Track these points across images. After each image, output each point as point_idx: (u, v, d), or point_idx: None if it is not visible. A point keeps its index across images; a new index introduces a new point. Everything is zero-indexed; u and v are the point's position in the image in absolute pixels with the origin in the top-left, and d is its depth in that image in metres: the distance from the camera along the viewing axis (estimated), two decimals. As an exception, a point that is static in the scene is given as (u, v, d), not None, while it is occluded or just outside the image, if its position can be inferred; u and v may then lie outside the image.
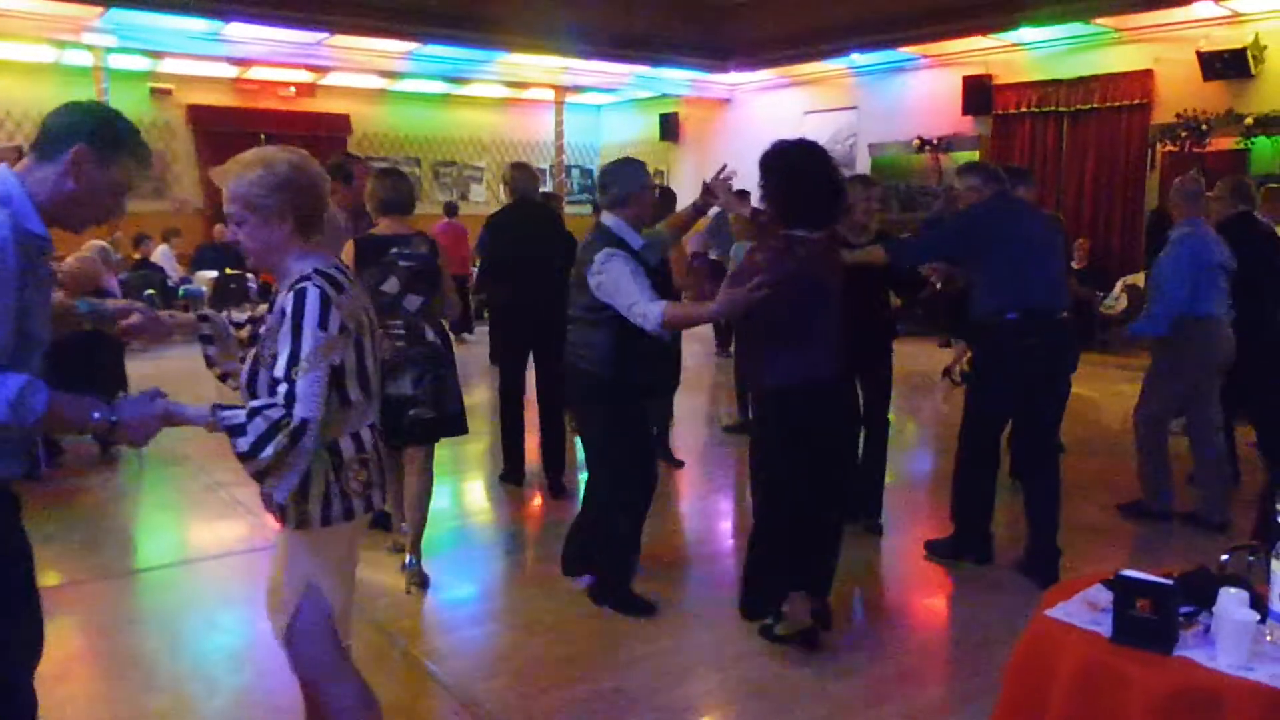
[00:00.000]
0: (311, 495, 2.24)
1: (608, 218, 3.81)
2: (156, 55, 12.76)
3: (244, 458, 2.08)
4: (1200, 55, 10.52)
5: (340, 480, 2.27)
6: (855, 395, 4.23)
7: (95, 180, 1.97)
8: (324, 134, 15.00)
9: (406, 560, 4.26)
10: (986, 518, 4.55)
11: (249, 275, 11.63)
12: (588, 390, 3.85)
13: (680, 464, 6.32)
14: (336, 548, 2.34)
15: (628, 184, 3.78)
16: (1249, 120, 10.30)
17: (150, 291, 11.10)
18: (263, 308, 2.48)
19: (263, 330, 2.29)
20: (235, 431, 2.06)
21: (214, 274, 12.11)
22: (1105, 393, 8.50)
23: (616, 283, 3.59)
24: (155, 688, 3.38)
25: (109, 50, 11.94)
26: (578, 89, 15.94)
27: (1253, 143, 10.39)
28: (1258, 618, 1.87)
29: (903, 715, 3.21)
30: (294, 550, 2.33)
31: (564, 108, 16.11)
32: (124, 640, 3.81)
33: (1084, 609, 2.06)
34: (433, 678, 3.46)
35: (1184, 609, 1.97)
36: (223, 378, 2.50)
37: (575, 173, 17.81)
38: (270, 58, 13.09)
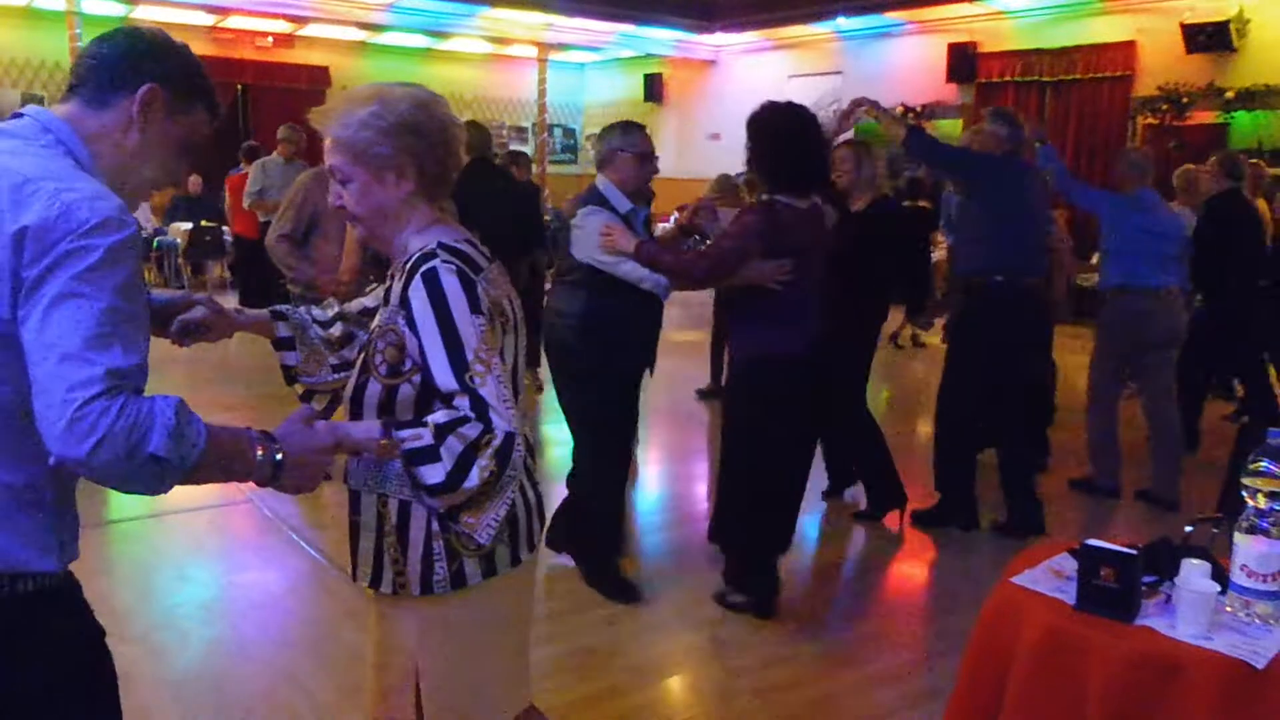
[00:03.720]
0: (411, 550, 1.72)
1: (599, 178, 3.75)
2: (131, 1, 12.50)
3: (438, 491, 1.61)
4: (1184, 27, 10.51)
5: (447, 533, 1.71)
6: (831, 367, 4.21)
7: (164, 133, 1.50)
8: (303, 86, 14.78)
9: None
10: (970, 483, 4.59)
11: (224, 229, 11.48)
12: (562, 355, 3.79)
13: None
14: (448, 622, 1.78)
15: (610, 145, 3.72)
16: (1229, 94, 10.34)
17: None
18: (355, 302, 2.00)
19: (373, 328, 1.77)
20: (423, 458, 1.59)
21: (188, 226, 11.95)
22: (1077, 365, 8.56)
23: (591, 238, 3.56)
24: (126, 638, 3.36)
25: (82, -7, 11.70)
26: (561, 46, 15.75)
27: (1233, 117, 10.43)
28: (1218, 589, 1.90)
29: (871, 676, 3.26)
30: (390, 619, 1.83)
31: (547, 65, 15.93)
32: (94, 591, 3.70)
33: (1049, 576, 2.09)
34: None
35: (1147, 579, 2.01)
36: (306, 396, 1.97)
37: (558, 132, 17.65)
38: (247, 6, 12.84)
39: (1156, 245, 4.85)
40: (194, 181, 12.54)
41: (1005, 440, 4.61)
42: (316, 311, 2.02)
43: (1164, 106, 10.82)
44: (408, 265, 1.71)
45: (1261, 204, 6.82)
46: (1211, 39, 10.36)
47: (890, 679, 3.25)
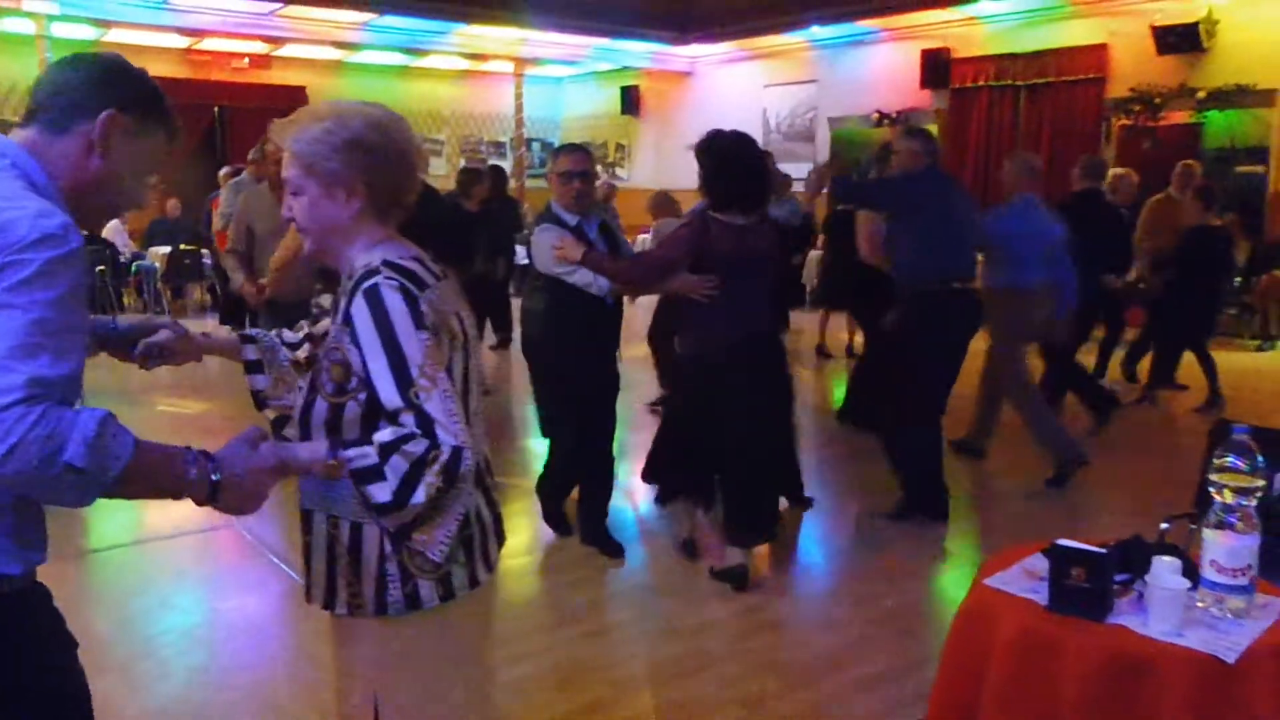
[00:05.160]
0: (365, 571, 1.71)
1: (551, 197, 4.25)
2: (103, 24, 12.43)
3: (385, 510, 1.59)
4: (1154, 29, 10.63)
5: (400, 554, 1.70)
6: (783, 368, 4.29)
7: (125, 157, 1.53)
8: (280, 107, 14.65)
9: None
10: (939, 473, 4.78)
11: (204, 252, 11.45)
12: (529, 349, 4.35)
13: None
14: (405, 645, 1.76)
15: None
16: (1201, 94, 10.44)
17: (101, 268, 10.90)
18: (323, 324, 1.94)
19: (322, 347, 1.77)
20: (368, 477, 1.58)
21: (167, 249, 11.90)
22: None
23: (545, 251, 4.02)
24: (105, 668, 3.33)
25: (51, 18, 11.64)
26: (537, 61, 15.80)
27: (1205, 117, 10.54)
28: (1189, 585, 1.91)
29: (857, 682, 3.26)
30: (346, 641, 1.84)
31: (524, 80, 15.97)
32: (74, 621, 3.71)
33: (1022, 577, 2.10)
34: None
35: (1119, 577, 2.02)
36: (278, 422, 1.93)
37: (536, 146, 17.68)
38: (222, 28, 12.83)
39: (1036, 246, 5.21)
40: (172, 205, 12.50)
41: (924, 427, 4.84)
42: (287, 334, 2.02)
43: (1137, 108, 10.93)
44: (353, 282, 1.70)
45: (1189, 205, 7.03)
46: (1181, 40, 10.47)
47: (876, 684, 3.25)
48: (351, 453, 1.59)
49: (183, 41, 13.73)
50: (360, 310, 1.64)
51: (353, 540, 1.72)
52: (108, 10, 11.76)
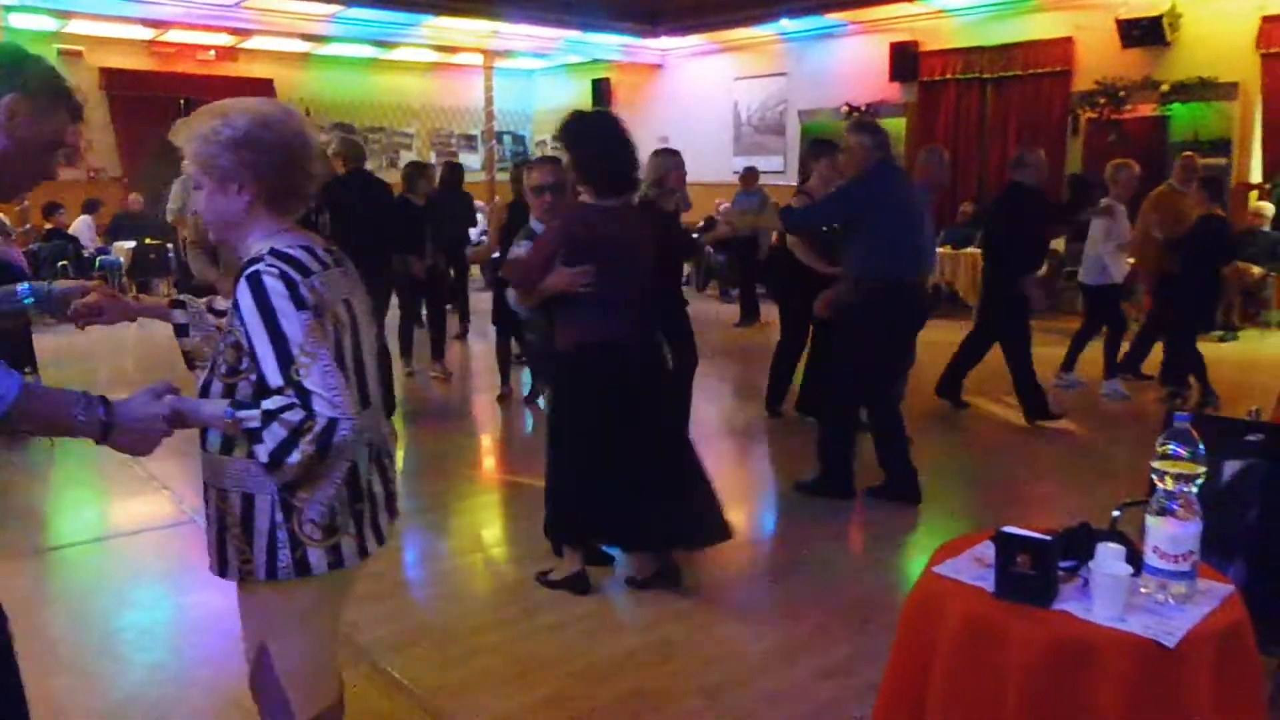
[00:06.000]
0: (256, 539, 1.86)
1: None
2: (63, 15, 12.25)
3: (267, 468, 1.77)
4: (1119, 23, 10.73)
5: (290, 523, 1.85)
6: (660, 355, 4.16)
7: (30, 136, 1.67)
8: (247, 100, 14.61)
9: None
10: (851, 456, 4.94)
11: (169, 246, 11.32)
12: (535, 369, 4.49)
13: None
14: (292, 607, 1.92)
15: None
16: (1165, 87, 10.56)
17: (63, 263, 10.78)
18: None
19: (220, 329, 1.91)
20: (254, 438, 1.75)
21: (131, 244, 11.77)
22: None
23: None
24: (62, 668, 3.30)
25: (9, 9, 11.45)
26: (508, 54, 15.71)
27: (1170, 110, 10.66)
28: (1131, 571, 1.94)
29: (817, 670, 3.28)
30: (243, 605, 1.98)
31: (494, 73, 15.88)
32: (31, 620, 3.70)
33: (971, 565, 2.12)
34: (344, 643, 3.45)
35: (1065, 563, 2.04)
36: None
37: (507, 139, 17.61)
38: (187, 19, 12.66)
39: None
40: (133, 199, 12.34)
41: (888, 415, 4.97)
42: (218, 303, 2.15)
43: (1102, 100, 11.04)
44: (240, 270, 1.83)
45: (1194, 196, 7.06)
46: (1145, 33, 10.59)
47: (836, 673, 3.28)
48: (244, 413, 1.75)
49: (147, 33, 13.53)
50: (244, 295, 1.77)
51: (244, 511, 1.86)
52: (67, 1, 11.58)
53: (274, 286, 1.75)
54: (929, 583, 2.09)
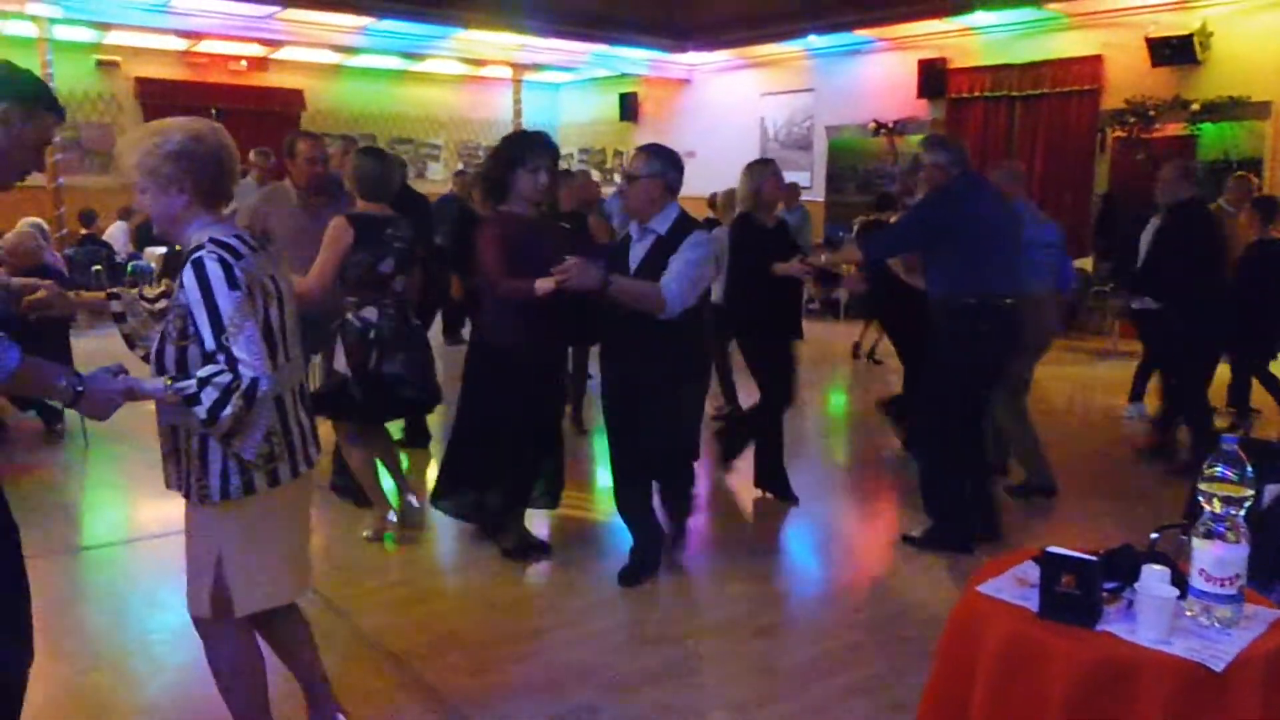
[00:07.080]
0: (210, 469, 2.30)
1: None
2: (103, 26, 12.46)
3: (205, 424, 2.19)
4: (1149, 41, 10.67)
5: (236, 455, 2.31)
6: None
7: (22, 137, 2.08)
8: (277, 109, 14.78)
9: (411, 501, 4.67)
10: (966, 507, 4.52)
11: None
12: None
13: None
14: (242, 520, 2.38)
15: None
16: (1195, 106, 10.48)
17: (97, 267, 10.90)
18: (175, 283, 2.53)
19: (169, 305, 2.34)
20: (191, 401, 2.16)
21: (163, 249, 11.87)
22: (1056, 375, 8.64)
23: None
24: (98, 665, 3.35)
25: (53, 21, 11.66)
26: (536, 67, 15.81)
27: (1200, 129, 10.58)
28: (1177, 593, 1.93)
29: (845, 689, 3.27)
30: (198, 524, 2.41)
31: (522, 86, 15.99)
32: (67, 618, 3.76)
33: (1014, 584, 2.12)
34: (375, 650, 3.46)
35: (1109, 585, 2.03)
36: (146, 358, 2.49)
37: (533, 151, 17.66)
38: (220, 30, 12.84)
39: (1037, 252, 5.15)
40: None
41: (975, 452, 4.62)
42: (148, 291, 2.65)
43: (1131, 119, 10.97)
44: (186, 255, 2.25)
45: (1247, 216, 6.72)
46: (1176, 52, 10.51)
47: (866, 690, 3.26)
48: (180, 384, 2.17)
49: (181, 44, 13.74)
50: (189, 276, 2.20)
51: (201, 447, 2.30)
52: (108, 13, 11.77)
53: (213, 269, 2.18)
54: (971, 601, 2.08)
